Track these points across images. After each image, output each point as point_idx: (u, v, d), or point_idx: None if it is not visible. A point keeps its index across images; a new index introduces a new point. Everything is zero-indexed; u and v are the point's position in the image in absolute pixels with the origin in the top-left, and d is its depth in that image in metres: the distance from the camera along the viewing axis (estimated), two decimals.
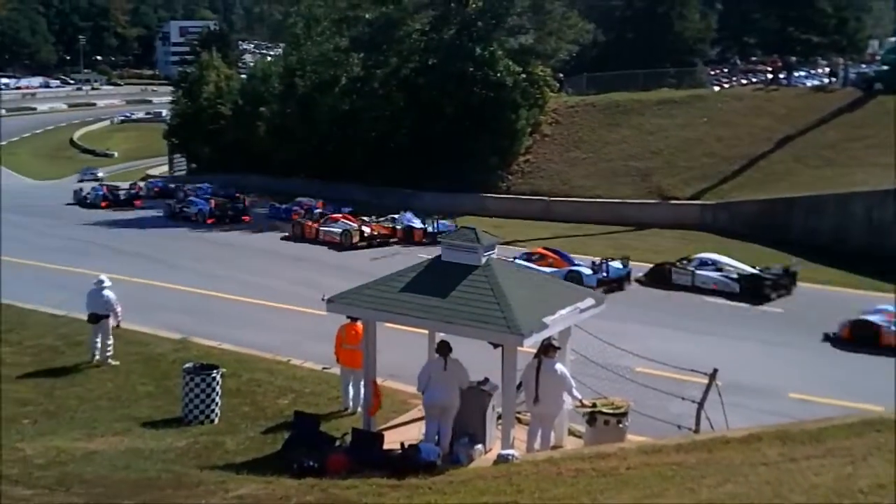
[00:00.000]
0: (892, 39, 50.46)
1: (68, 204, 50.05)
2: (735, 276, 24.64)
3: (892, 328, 19.24)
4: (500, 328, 11.15)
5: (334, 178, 48.94)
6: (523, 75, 44.46)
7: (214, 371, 14.65)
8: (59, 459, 11.91)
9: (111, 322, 18.12)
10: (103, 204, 48.40)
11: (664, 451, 9.96)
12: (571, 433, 13.32)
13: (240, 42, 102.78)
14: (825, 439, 9.40)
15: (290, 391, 16.07)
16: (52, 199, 53.05)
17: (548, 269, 24.40)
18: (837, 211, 31.49)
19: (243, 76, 70.53)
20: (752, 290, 24.01)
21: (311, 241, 34.19)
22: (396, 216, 35.92)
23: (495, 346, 11.64)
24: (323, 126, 49.03)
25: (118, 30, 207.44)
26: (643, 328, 20.66)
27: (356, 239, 33.16)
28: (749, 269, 24.99)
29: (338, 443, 12.68)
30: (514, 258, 25.03)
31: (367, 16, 47.50)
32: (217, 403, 14.55)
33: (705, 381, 12.74)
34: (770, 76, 49.61)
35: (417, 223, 34.73)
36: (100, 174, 62.09)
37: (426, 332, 13.36)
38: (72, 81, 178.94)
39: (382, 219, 35.85)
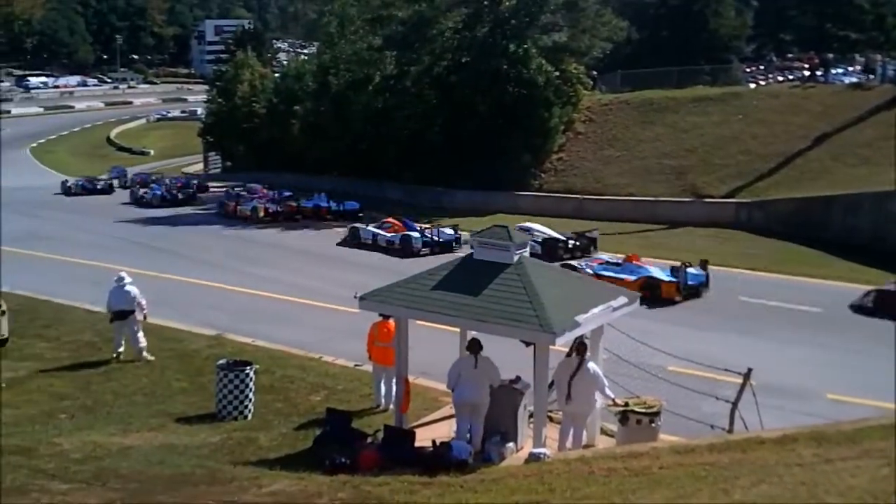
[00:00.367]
0: None
1: (125, 203, 49.71)
2: (539, 240, 28.30)
3: None
4: (532, 326, 11.12)
5: (367, 177, 49.11)
6: (556, 73, 44.29)
7: (248, 367, 14.75)
8: (96, 454, 12.06)
9: (138, 316, 18.26)
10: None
11: (697, 450, 9.88)
12: (603, 432, 13.27)
13: (274, 41, 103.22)
14: (861, 440, 9.28)
15: (322, 388, 16.15)
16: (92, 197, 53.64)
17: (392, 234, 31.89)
18: (875, 209, 31.05)
19: (277, 75, 70.90)
20: (550, 252, 27.35)
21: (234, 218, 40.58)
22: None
23: (527, 344, 11.63)
24: (356, 124, 49.20)
25: (154, 29, 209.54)
26: (676, 327, 20.52)
27: (262, 214, 40.29)
28: (551, 234, 29.66)
29: (369, 439, 12.72)
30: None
31: (400, 14, 47.57)
32: (250, 400, 14.65)
33: (739, 380, 12.63)
34: (807, 73, 49.06)
35: (324, 202, 41.58)
36: (128, 173, 62.89)
37: (458, 330, 13.37)
38: (109, 80, 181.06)
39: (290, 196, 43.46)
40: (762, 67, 60.16)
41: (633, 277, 23.80)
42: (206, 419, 14.46)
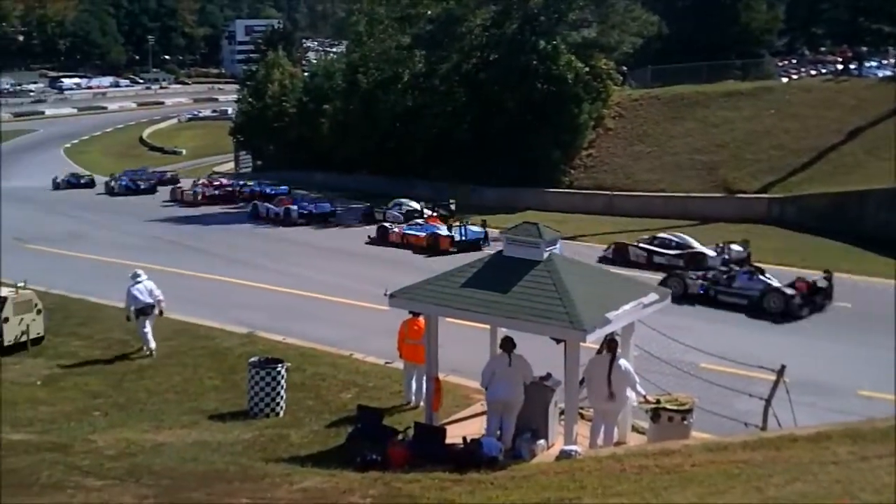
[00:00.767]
0: None
1: (165, 202, 49.87)
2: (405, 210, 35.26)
3: None
4: (562, 323, 11.09)
5: (397, 174, 49.19)
6: (586, 69, 44.10)
7: (279, 365, 14.83)
8: (129, 451, 12.18)
9: (155, 311, 18.68)
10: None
11: (730, 448, 9.81)
12: (635, 429, 13.20)
13: (304, 40, 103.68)
14: None
15: (353, 385, 16.21)
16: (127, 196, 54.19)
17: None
18: None
19: (307, 74, 71.22)
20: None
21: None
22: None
23: (558, 341, 11.59)
24: (385, 123, 49.29)
25: (186, 30, 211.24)
26: (708, 323, 20.38)
27: (198, 198, 48.33)
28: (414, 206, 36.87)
29: (400, 437, 12.75)
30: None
31: (429, 12, 47.58)
32: (282, 397, 14.73)
33: (772, 377, 12.52)
34: (840, 67, 48.48)
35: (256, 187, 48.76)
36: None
37: (487, 327, 13.36)
38: (141, 81, 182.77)
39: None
40: (794, 61, 59.59)
41: (422, 234, 31.94)
42: (238, 416, 14.57)
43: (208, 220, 41.97)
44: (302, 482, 9.89)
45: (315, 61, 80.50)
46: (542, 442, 12.35)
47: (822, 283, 22.49)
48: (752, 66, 53.59)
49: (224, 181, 53.84)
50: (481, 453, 11.36)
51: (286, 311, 22.65)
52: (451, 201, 38.19)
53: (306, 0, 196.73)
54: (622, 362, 12.13)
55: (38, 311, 19.23)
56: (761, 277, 22.61)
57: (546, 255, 12.09)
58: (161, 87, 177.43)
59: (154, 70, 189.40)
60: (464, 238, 31.24)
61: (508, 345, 12.35)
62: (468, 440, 11.87)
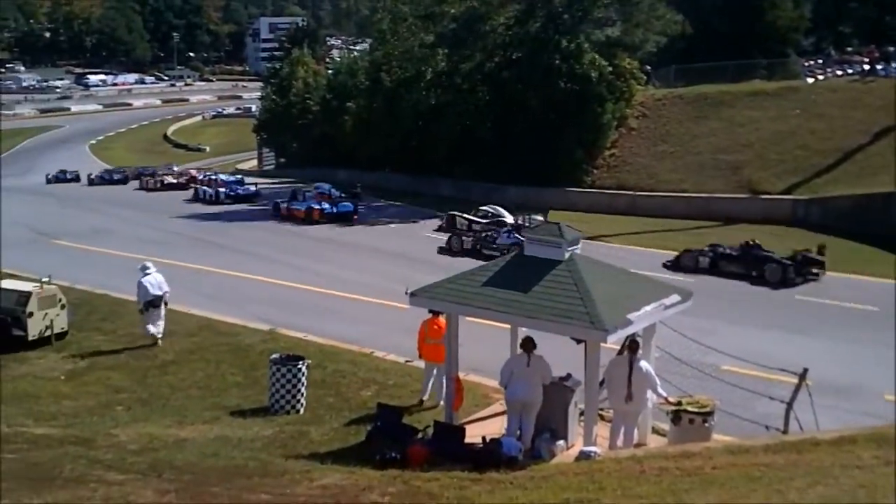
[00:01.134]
0: None
1: (187, 201, 49.49)
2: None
3: None
4: (583, 324, 11.07)
5: (419, 172, 49.26)
6: (609, 68, 43.94)
7: (300, 362, 14.89)
8: (152, 446, 12.28)
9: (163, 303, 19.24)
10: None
11: (751, 451, 9.76)
12: (655, 431, 13.15)
13: (328, 37, 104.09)
14: None
15: (373, 383, 16.24)
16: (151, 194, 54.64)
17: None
18: None
19: (331, 71, 71.43)
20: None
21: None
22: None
23: (578, 341, 11.57)
24: (408, 121, 49.34)
25: (210, 27, 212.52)
26: (730, 325, 20.27)
27: (158, 185, 54.95)
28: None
29: (420, 435, 12.77)
30: None
31: (452, 11, 47.58)
32: (303, 394, 14.79)
33: (794, 380, 12.44)
34: (867, 67, 47.99)
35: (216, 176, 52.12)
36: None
37: (508, 326, 13.35)
38: (166, 78, 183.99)
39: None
40: (821, 61, 58.95)
41: (302, 207, 39.34)
42: (259, 413, 14.63)
43: (231, 217, 42.19)
44: (321, 479, 9.93)
45: (339, 59, 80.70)
46: (561, 442, 12.33)
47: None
48: (778, 66, 53.15)
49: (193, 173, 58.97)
50: (501, 453, 11.36)
51: (308, 308, 22.75)
52: (357, 185, 45.48)
53: None
54: (643, 364, 12.09)
55: (63, 306, 19.41)
56: (516, 235, 28.64)
57: (567, 254, 12.07)
58: (186, 84, 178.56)
59: (179, 67, 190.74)
60: (335, 211, 39.21)
61: (528, 345, 12.34)
62: (488, 440, 11.87)
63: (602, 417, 12.73)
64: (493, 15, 46.31)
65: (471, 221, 33.39)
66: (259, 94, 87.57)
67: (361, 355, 18.13)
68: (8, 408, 14.64)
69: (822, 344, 19.03)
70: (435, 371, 14.89)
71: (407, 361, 17.17)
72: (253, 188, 49.19)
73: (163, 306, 19.21)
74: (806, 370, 12.39)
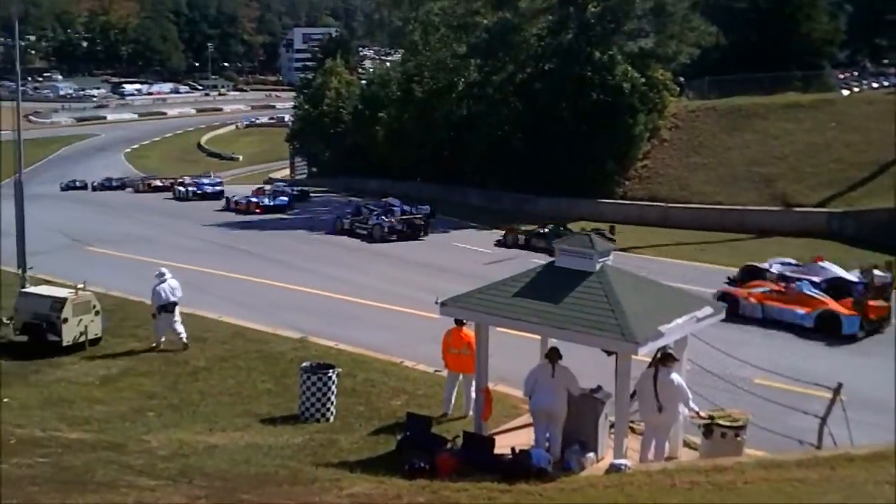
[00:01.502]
0: None
1: (218, 210, 49.59)
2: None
3: None
4: (614, 335, 11.01)
5: (450, 182, 49.33)
6: (642, 79, 43.79)
7: (331, 371, 14.93)
8: (182, 452, 12.35)
9: (178, 308, 19.64)
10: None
11: (784, 466, 9.66)
12: (686, 445, 13.04)
13: (360, 48, 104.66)
14: None
15: (403, 392, 16.25)
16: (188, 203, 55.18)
17: None
18: None
19: (363, 81, 71.81)
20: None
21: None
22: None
23: (609, 353, 11.51)
24: (440, 131, 49.49)
25: (244, 37, 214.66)
26: (764, 339, 20.06)
27: (147, 188, 62.77)
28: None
29: (449, 445, 12.75)
30: None
31: (484, 22, 47.71)
32: (333, 402, 14.82)
33: (828, 395, 12.29)
34: None
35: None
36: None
37: (538, 337, 13.31)
38: (200, 87, 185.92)
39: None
40: (856, 73, 58.47)
41: (244, 202, 48.65)
42: (289, 420, 14.69)
43: (265, 225, 42.47)
44: (350, 487, 9.94)
45: (371, 69, 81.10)
46: (591, 455, 12.26)
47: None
48: (813, 78, 52.75)
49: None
50: (530, 464, 11.31)
51: (338, 316, 22.82)
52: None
53: (363, 9, 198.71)
54: (674, 376, 11.98)
55: (97, 313, 19.62)
56: (384, 217, 36.65)
57: (598, 266, 12.03)
58: (220, 94, 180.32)
59: (213, 77, 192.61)
60: (272, 204, 47.98)
61: (553, 355, 12.30)
62: (517, 450, 11.83)
63: (633, 430, 12.65)
64: (526, 26, 46.35)
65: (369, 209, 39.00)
66: (292, 103, 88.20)
67: (391, 364, 18.16)
68: (42, 412, 14.82)
69: (856, 359, 18.78)
70: (461, 379, 14.89)
71: (436, 371, 17.15)
72: (220, 187, 57.77)
73: (177, 311, 19.58)
74: (840, 385, 12.24)
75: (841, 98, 46.48)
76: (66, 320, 18.88)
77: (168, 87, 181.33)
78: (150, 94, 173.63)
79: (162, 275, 19.82)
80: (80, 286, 19.93)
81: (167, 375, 17.58)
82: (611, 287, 11.65)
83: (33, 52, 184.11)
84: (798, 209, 36.90)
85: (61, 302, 18.99)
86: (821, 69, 57.40)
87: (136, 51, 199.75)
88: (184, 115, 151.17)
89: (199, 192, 56.13)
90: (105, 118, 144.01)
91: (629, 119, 43.64)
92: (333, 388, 14.84)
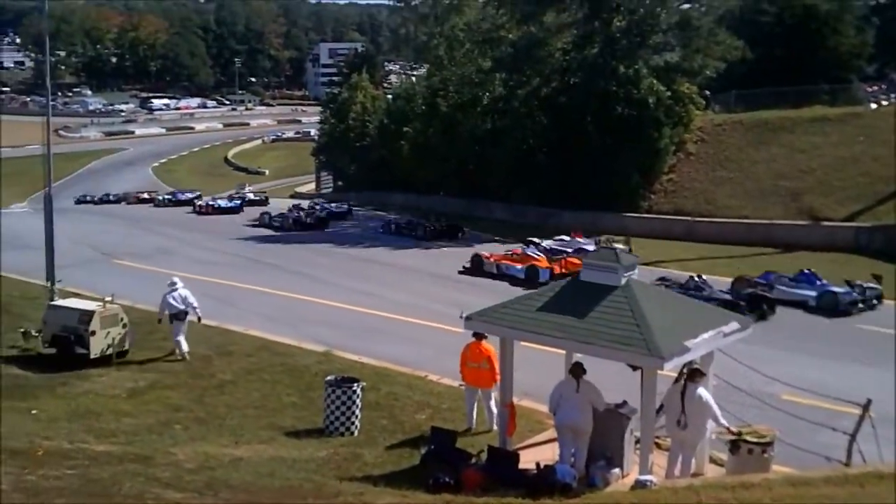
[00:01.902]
0: None
1: (251, 225, 49.18)
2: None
3: None
4: (639, 350, 10.96)
5: (475, 197, 49.35)
6: (668, 93, 43.67)
7: (355, 384, 14.95)
8: (208, 465, 12.40)
9: (192, 317, 20.11)
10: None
11: (812, 483, 9.56)
12: (713, 461, 12.94)
13: (386, 63, 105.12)
14: None
15: (427, 406, 16.25)
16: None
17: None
18: None
19: (389, 96, 72.11)
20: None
21: None
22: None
23: (634, 368, 11.46)
24: (465, 145, 49.56)
25: (271, 52, 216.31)
26: (791, 354, 19.89)
27: (134, 200, 68.49)
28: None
29: (473, 460, 12.72)
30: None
31: (510, 36, 47.81)
32: (357, 416, 14.84)
33: (857, 411, 12.15)
34: None
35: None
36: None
37: (563, 352, 13.27)
38: (227, 102, 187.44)
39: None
40: (884, 87, 57.94)
41: (203, 203, 57.54)
42: (313, 434, 14.71)
43: (289, 239, 42.68)
44: (374, 501, 9.95)
45: (396, 84, 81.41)
46: (616, 470, 12.19)
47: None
48: (840, 92, 52.31)
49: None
50: (555, 479, 11.27)
51: (362, 330, 22.86)
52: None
53: (389, 24, 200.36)
54: (702, 392, 11.90)
55: (124, 326, 19.77)
56: (295, 212, 47.75)
57: (624, 280, 11.99)
58: (246, 109, 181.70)
59: (240, 92, 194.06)
60: (220, 206, 56.17)
61: (577, 370, 12.26)
62: (542, 466, 11.78)
63: (658, 446, 12.56)
64: (551, 40, 46.39)
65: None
66: (318, 118, 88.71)
67: (415, 378, 18.17)
68: (70, 424, 14.94)
69: (885, 374, 18.55)
70: (477, 395, 14.87)
71: (461, 385, 17.07)
72: (191, 194, 64.95)
73: (186, 321, 20.02)
74: (870, 401, 12.11)
75: (869, 111, 46.05)
76: (93, 333, 19.05)
77: (196, 101, 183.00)
78: (178, 108, 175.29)
79: (174, 283, 20.34)
80: (107, 299, 20.11)
81: (193, 388, 17.68)
82: (636, 301, 11.61)
83: (63, 67, 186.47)
84: (825, 223, 36.60)
85: (89, 315, 19.17)
86: (848, 82, 56.90)
87: (165, 66, 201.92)
88: (211, 130, 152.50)
89: (172, 200, 63.88)
90: (133, 133, 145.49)
91: (654, 133, 43.50)
92: (358, 401, 14.86)
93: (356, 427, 14.80)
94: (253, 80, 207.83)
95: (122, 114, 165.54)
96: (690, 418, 11.83)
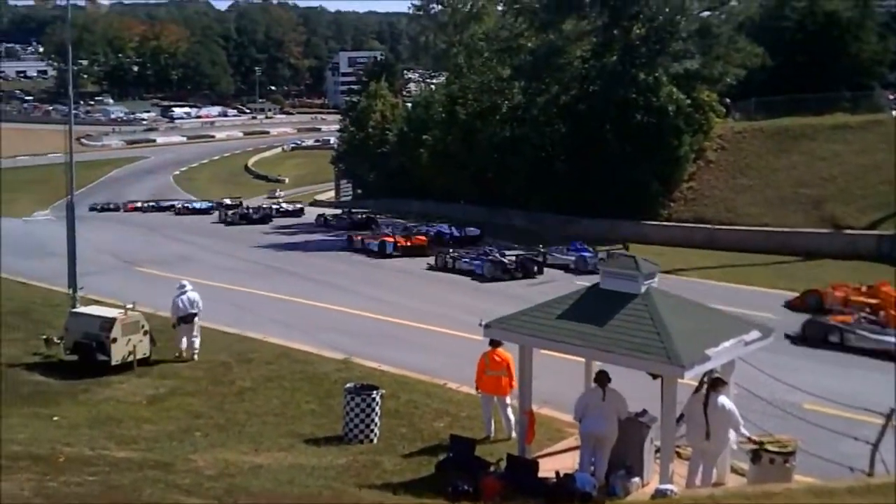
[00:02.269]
0: None
1: (266, 233, 49.60)
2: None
3: None
4: (659, 358, 10.91)
5: (494, 204, 49.35)
6: (687, 101, 43.53)
7: (374, 392, 14.95)
8: (228, 472, 12.43)
9: (197, 320, 20.48)
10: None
11: (835, 493, 9.48)
12: (734, 470, 12.84)
13: (405, 71, 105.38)
14: None
15: (446, 414, 16.23)
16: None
17: None
18: None
19: (408, 104, 72.25)
20: None
21: None
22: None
23: (654, 376, 11.40)
24: (483, 153, 49.58)
25: (291, 61, 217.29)
26: (812, 363, 19.75)
27: (126, 208, 72.17)
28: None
29: (492, 468, 12.70)
30: None
31: (528, 44, 47.82)
32: (376, 423, 14.83)
33: (881, 421, 12.04)
34: None
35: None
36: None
37: (582, 359, 13.23)
38: (247, 111, 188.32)
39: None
40: None
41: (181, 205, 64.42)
42: (333, 441, 14.72)
43: (310, 247, 42.81)
44: None
45: (416, 92, 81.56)
46: (636, 479, 12.13)
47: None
48: (862, 99, 51.96)
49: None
50: (574, 488, 11.23)
51: (381, 338, 22.89)
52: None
53: (408, 32, 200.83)
54: (722, 401, 11.81)
55: (145, 333, 19.88)
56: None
57: (644, 288, 11.94)
58: (266, 117, 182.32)
59: (260, 100, 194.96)
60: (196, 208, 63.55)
61: (603, 379, 12.21)
62: (561, 474, 11.74)
63: (679, 455, 12.49)
64: (570, 48, 46.38)
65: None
66: (337, 126, 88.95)
67: (434, 386, 18.15)
68: (91, 431, 15.01)
69: None
70: (494, 403, 14.84)
71: (478, 391, 17.09)
72: (167, 203, 70.66)
73: (195, 323, 20.46)
74: (893, 410, 11.99)
75: (890, 119, 45.67)
76: (115, 340, 19.14)
77: (216, 110, 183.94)
78: (199, 117, 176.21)
79: (182, 287, 20.77)
80: (129, 306, 20.22)
81: (214, 395, 17.74)
82: (656, 310, 11.56)
83: (86, 76, 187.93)
84: (847, 231, 36.35)
85: (110, 322, 19.27)
86: (870, 90, 56.50)
87: (186, 75, 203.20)
88: (231, 138, 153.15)
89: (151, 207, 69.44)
90: (155, 141, 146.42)
91: (674, 140, 43.38)
92: (377, 409, 14.85)
93: (375, 435, 14.79)
94: (273, 88, 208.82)
95: (144, 122, 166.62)
96: (713, 428, 11.75)
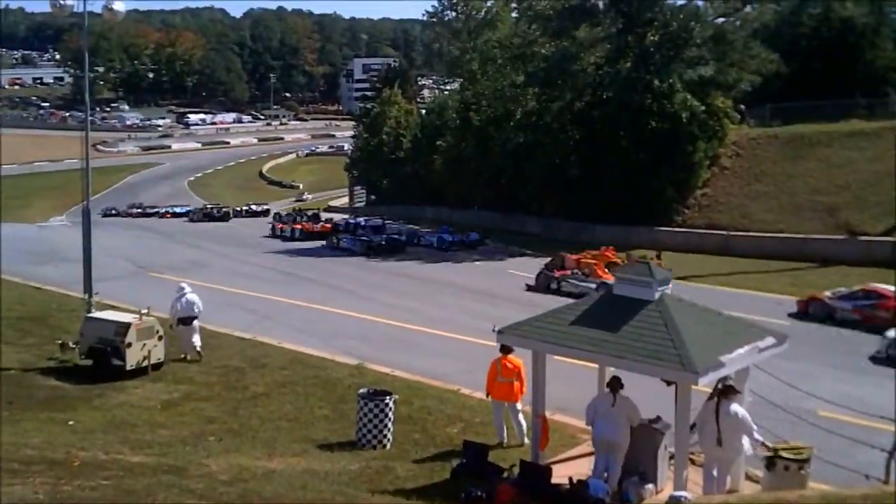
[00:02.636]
0: None
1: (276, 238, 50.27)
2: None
3: None
4: (673, 365, 10.87)
5: (508, 210, 49.35)
6: (702, 107, 43.43)
7: (388, 397, 14.95)
8: (242, 477, 12.45)
9: (196, 322, 20.93)
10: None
11: (850, 501, 9.39)
12: (748, 477, 12.78)
13: (418, 77, 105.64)
14: None
15: (459, 420, 16.21)
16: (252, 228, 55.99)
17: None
18: None
19: (422, 110, 72.40)
20: None
21: None
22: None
23: (668, 383, 11.36)
24: (497, 159, 49.62)
25: (306, 68, 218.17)
26: (829, 370, 19.64)
27: (122, 214, 76.06)
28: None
29: (506, 474, 12.68)
30: None
31: (542, 51, 47.84)
32: (389, 429, 14.83)
33: None
34: None
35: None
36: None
37: (595, 366, 13.20)
38: (262, 117, 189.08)
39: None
40: None
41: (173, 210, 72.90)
42: (346, 447, 14.72)
43: (322, 253, 42.90)
44: None
45: (429, 98, 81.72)
46: (650, 486, 12.09)
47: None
48: (877, 106, 51.67)
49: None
50: (588, 494, 11.21)
51: (394, 343, 22.91)
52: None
53: (422, 39, 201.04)
54: (737, 408, 11.76)
55: (160, 338, 19.95)
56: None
57: (657, 294, 11.91)
58: (281, 124, 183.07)
59: (275, 107, 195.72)
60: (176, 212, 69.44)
61: (615, 385, 12.18)
62: (574, 480, 11.72)
63: (693, 462, 12.45)
64: (584, 55, 46.36)
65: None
66: (351, 132, 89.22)
67: (448, 392, 18.14)
68: (105, 435, 15.07)
69: None
70: (504, 409, 14.82)
71: (488, 397, 17.07)
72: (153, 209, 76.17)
73: (196, 324, 20.80)
74: None
75: None
76: (129, 345, 19.22)
77: (231, 116, 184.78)
78: (214, 123, 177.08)
79: (182, 289, 21.17)
80: (143, 311, 20.31)
81: (227, 400, 17.77)
82: (670, 316, 11.53)
83: (102, 83, 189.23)
84: (862, 238, 36.17)
85: (125, 327, 19.35)
86: (885, 96, 56.27)
87: (201, 82, 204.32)
88: (246, 145, 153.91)
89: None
90: (170, 147, 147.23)
91: (689, 147, 43.30)
92: (390, 414, 14.85)
93: (388, 440, 14.79)
94: (287, 95, 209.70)
95: (159, 129, 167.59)
96: (725, 435, 11.71)
